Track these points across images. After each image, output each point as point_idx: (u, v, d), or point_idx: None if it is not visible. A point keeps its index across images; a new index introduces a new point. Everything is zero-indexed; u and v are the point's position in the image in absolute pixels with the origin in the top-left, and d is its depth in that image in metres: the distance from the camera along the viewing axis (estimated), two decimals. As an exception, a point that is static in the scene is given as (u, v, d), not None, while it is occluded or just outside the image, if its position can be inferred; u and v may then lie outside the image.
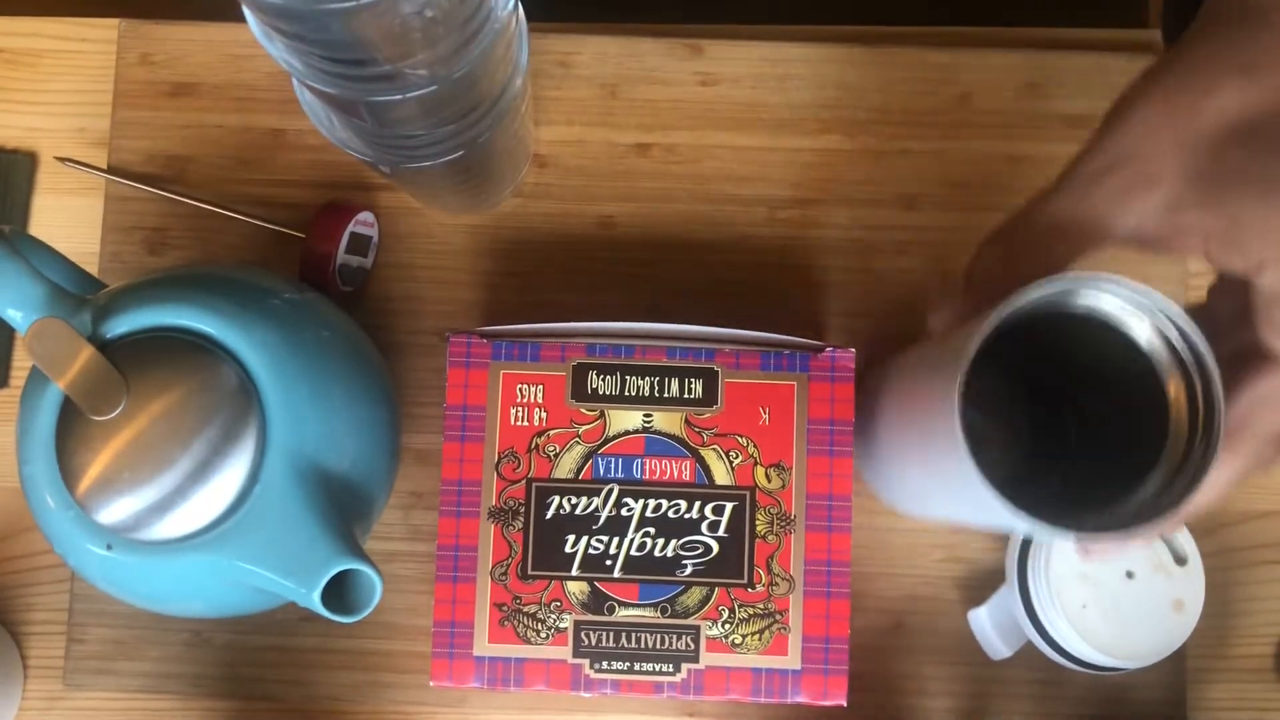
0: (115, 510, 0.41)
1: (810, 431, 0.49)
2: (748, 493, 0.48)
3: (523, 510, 0.48)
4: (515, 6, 0.41)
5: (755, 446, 0.48)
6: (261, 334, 0.44)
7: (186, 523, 0.41)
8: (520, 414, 0.49)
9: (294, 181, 0.58)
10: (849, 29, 0.59)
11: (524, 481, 0.49)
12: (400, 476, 0.56)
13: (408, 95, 0.38)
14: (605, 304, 0.56)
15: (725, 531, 0.48)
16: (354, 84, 0.38)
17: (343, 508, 0.44)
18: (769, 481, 0.48)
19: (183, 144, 0.58)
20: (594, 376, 0.49)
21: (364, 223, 0.55)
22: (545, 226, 0.57)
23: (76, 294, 0.44)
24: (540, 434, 0.49)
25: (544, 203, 0.57)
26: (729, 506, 0.48)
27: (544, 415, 0.49)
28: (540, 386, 0.49)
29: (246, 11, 0.35)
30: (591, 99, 0.58)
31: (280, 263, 0.57)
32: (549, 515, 0.48)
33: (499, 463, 0.49)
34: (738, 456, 0.48)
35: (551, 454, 0.49)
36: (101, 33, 0.59)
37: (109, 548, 0.42)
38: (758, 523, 0.48)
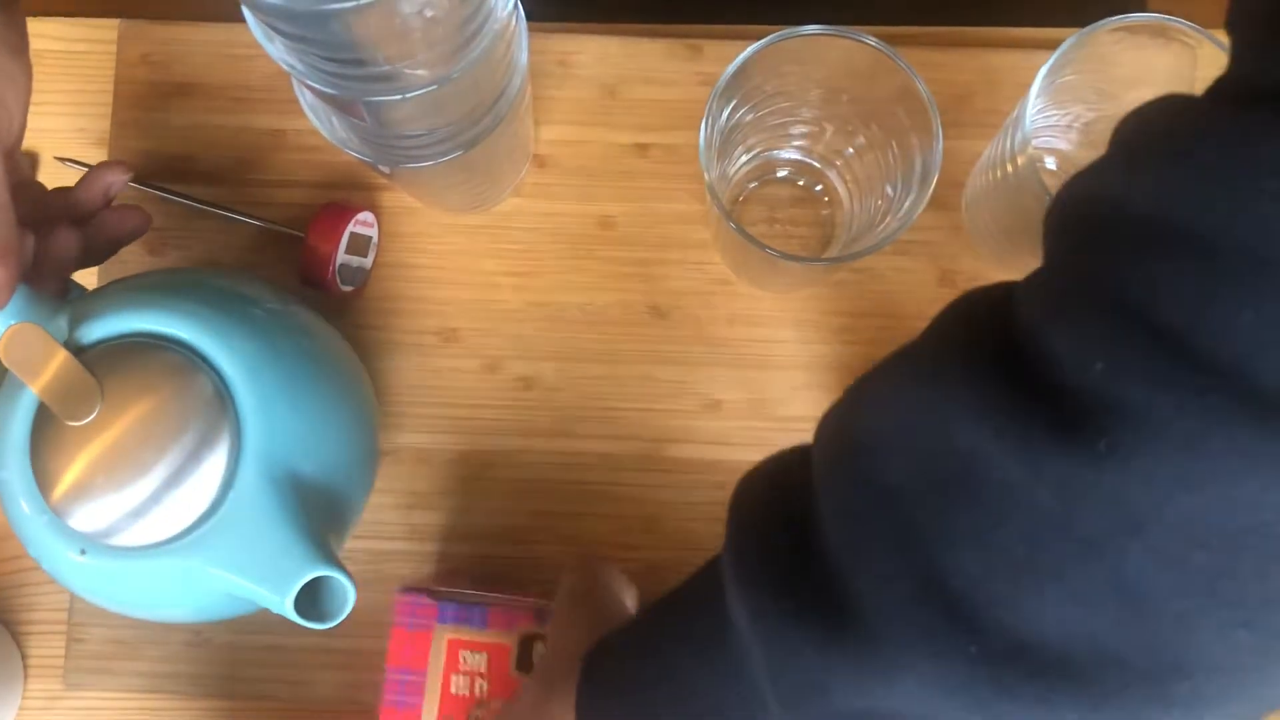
0: (89, 515, 0.41)
1: None
2: None
3: None
4: (515, 6, 0.41)
5: None
6: (238, 341, 0.44)
7: (159, 529, 0.41)
8: (461, 682, 0.46)
9: (294, 181, 0.58)
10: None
11: None
12: (401, 476, 0.56)
13: (407, 95, 0.39)
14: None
15: None
16: (354, 84, 0.38)
17: (317, 514, 0.44)
18: None
19: (183, 144, 0.58)
20: (541, 648, 0.46)
21: (364, 222, 0.55)
22: (545, 226, 0.57)
23: (54, 299, 0.44)
24: (479, 704, 0.46)
25: (544, 202, 0.57)
26: None
27: (484, 686, 0.46)
28: (485, 655, 0.46)
29: (246, 12, 0.36)
30: (591, 99, 0.58)
31: (280, 263, 0.57)
32: None
33: None
34: None
35: None
36: (101, 33, 0.59)
37: (82, 553, 0.42)
38: None
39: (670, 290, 0.57)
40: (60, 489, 0.41)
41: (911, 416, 0.27)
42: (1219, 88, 0.25)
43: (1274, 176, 0.21)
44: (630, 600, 0.46)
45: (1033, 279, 0.27)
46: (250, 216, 0.56)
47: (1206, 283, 0.22)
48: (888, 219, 0.47)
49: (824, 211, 0.56)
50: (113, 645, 0.56)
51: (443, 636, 0.46)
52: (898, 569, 0.26)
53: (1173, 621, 0.23)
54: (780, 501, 0.31)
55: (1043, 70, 0.44)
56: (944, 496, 0.26)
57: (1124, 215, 0.24)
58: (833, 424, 0.30)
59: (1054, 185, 0.54)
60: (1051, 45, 0.45)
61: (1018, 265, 0.56)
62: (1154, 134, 0.25)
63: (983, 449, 0.25)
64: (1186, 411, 0.22)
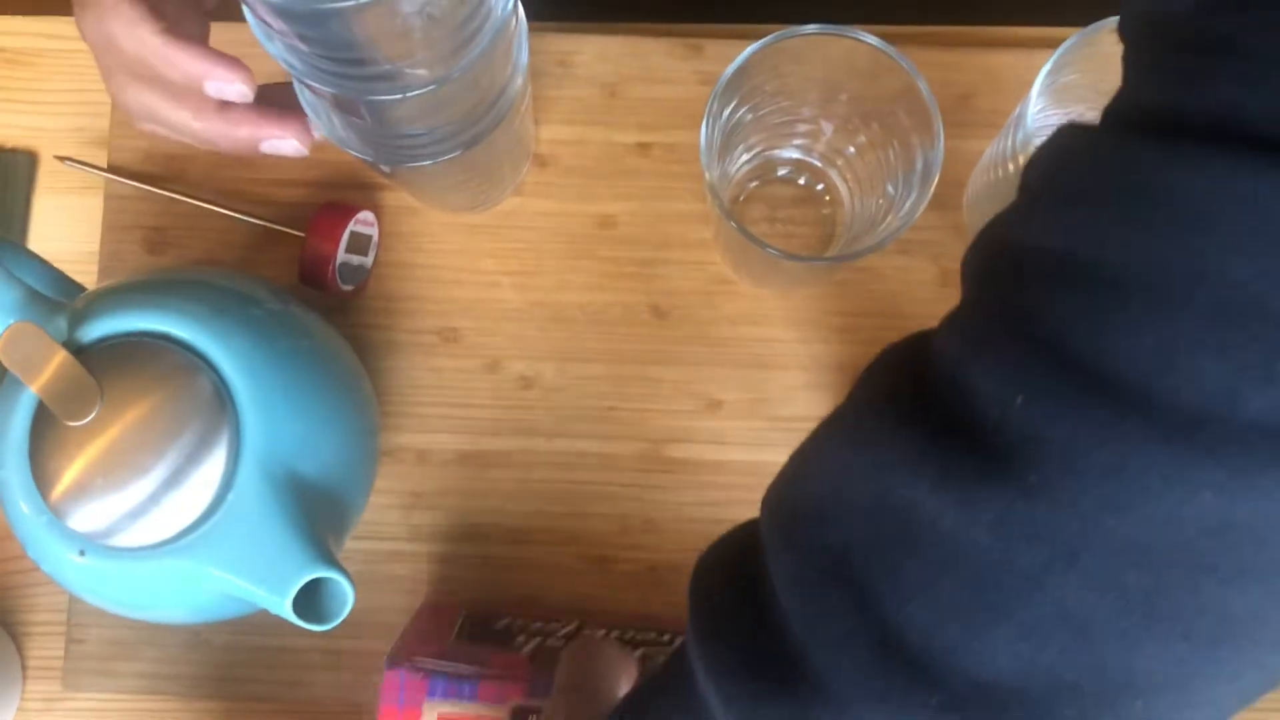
0: (88, 516, 0.41)
1: None
2: None
3: None
4: (515, 6, 0.41)
5: None
6: (238, 341, 0.43)
7: (159, 529, 0.41)
8: None
9: (294, 181, 0.58)
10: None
11: None
12: (401, 476, 0.56)
13: (407, 95, 0.38)
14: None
15: None
16: (354, 83, 0.38)
17: (317, 515, 0.44)
18: None
19: (183, 144, 0.58)
20: None
21: (364, 222, 0.55)
22: (545, 226, 0.57)
23: (53, 299, 0.44)
24: None
25: (544, 202, 0.57)
26: None
27: None
28: None
29: (246, 11, 0.35)
30: (592, 98, 0.58)
31: (280, 263, 0.57)
32: None
33: None
34: None
35: None
36: (101, 32, 0.59)
37: (82, 553, 0.42)
38: None
39: (670, 290, 0.57)
40: (59, 489, 0.41)
41: (848, 479, 0.28)
42: (1113, 110, 0.26)
43: (1160, 206, 0.22)
44: (627, 686, 0.46)
45: (950, 321, 0.28)
46: (250, 216, 0.56)
47: (1109, 312, 0.23)
48: (889, 218, 0.47)
49: (825, 211, 0.56)
50: (112, 646, 0.56)
51: (433, 711, 0.45)
52: (854, 632, 0.27)
53: (1117, 641, 0.24)
54: (737, 580, 0.31)
55: (1044, 70, 0.44)
56: (889, 553, 0.26)
57: (1029, 254, 0.25)
58: (776, 495, 0.31)
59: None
60: (1053, 45, 0.45)
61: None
62: (1050, 174, 0.26)
63: (919, 500, 0.26)
64: (1103, 438, 0.23)
